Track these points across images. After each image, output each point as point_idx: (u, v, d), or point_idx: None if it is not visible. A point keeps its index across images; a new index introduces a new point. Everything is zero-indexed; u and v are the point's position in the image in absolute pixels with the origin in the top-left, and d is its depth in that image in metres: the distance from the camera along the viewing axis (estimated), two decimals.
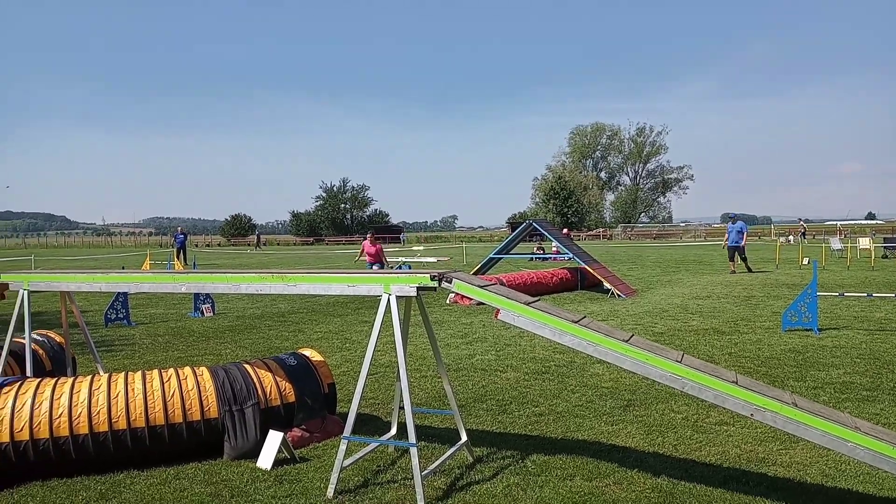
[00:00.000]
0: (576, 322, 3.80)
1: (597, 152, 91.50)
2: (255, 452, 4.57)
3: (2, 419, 4.22)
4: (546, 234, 16.78)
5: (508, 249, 17.37)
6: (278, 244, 74.20)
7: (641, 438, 4.98)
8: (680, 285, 16.50)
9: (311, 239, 77.94)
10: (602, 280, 14.79)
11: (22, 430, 4.22)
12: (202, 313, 12.10)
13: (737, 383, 3.56)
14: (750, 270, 19.22)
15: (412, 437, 3.90)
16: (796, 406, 3.46)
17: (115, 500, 3.97)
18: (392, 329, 4.04)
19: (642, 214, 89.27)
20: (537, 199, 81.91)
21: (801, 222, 53.25)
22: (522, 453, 4.66)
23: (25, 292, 5.02)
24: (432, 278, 4.02)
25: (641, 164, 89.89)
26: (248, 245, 67.81)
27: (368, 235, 15.60)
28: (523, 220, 23.37)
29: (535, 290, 14.02)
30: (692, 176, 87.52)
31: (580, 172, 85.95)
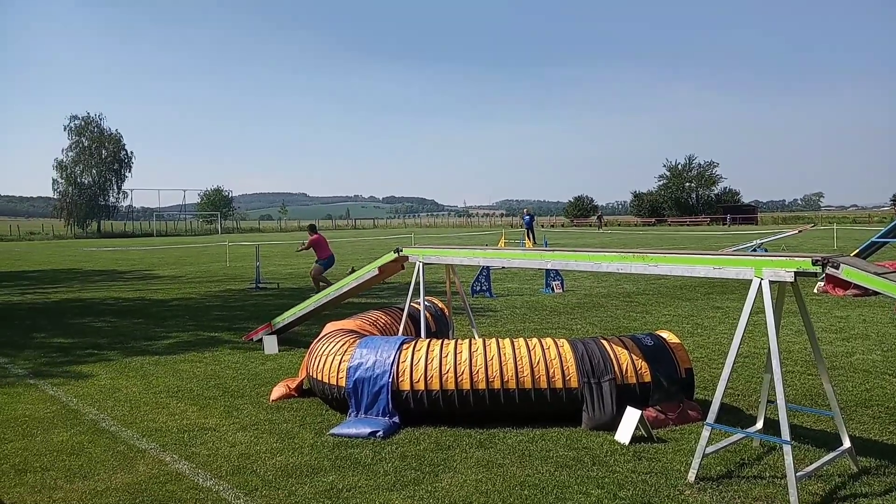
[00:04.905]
0: None
1: None
2: (610, 426, 4.74)
3: (404, 371, 5.10)
4: None
5: None
6: (619, 225, 74.12)
7: None
8: None
9: (653, 219, 76.06)
10: None
11: (419, 381, 5.04)
12: (552, 290, 12.82)
13: None
14: None
15: (785, 434, 3.62)
16: None
17: (492, 450, 4.50)
18: (755, 317, 3.77)
19: None
20: None
21: None
22: None
23: (421, 264, 5.97)
24: (814, 262, 3.64)
25: None
26: (590, 225, 69.28)
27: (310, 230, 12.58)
28: None
29: None
30: None
31: None
